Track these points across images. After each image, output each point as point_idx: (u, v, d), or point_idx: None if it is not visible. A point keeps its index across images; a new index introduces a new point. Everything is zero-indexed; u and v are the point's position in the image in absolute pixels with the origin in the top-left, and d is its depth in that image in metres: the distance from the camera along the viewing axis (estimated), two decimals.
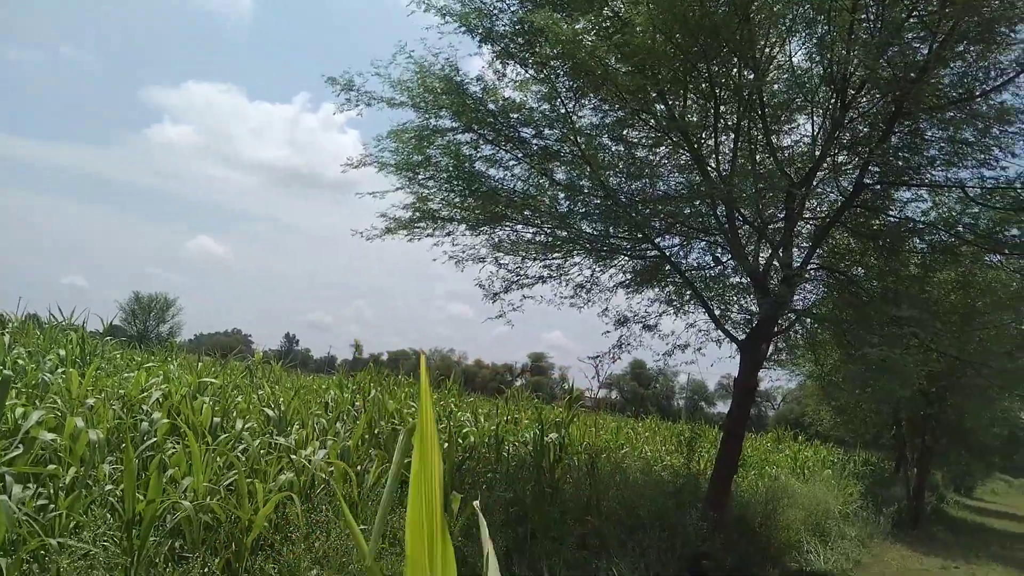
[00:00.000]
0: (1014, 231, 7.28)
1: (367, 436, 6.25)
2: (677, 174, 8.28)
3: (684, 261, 8.37)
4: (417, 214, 7.65)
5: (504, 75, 7.37)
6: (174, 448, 4.56)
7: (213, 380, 7.40)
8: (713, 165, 7.59)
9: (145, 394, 5.74)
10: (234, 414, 6.35)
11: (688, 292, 8.12)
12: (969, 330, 7.83)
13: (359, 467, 5.56)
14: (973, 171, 7.19)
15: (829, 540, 10.83)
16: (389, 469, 5.41)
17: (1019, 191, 6.76)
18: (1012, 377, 8.62)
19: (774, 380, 19.81)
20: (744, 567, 7.37)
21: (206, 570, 3.76)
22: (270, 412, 6.26)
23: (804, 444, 19.66)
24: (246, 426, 5.79)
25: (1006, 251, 7.21)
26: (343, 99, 7.18)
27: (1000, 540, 17.52)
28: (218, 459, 4.58)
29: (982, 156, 6.96)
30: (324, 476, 5.00)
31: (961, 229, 7.45)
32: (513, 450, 7.88)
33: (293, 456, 5.14)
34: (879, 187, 7.91)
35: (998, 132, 6.85)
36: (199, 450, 4.50)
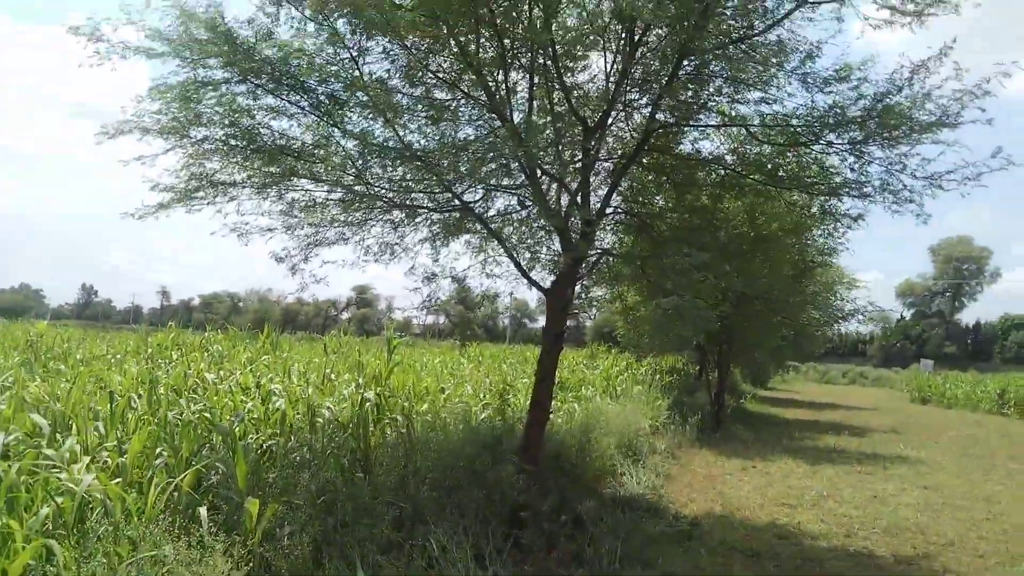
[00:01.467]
0: (792, 165, 7.70)
1: (156, 431, 5.63)
2: (476, 118, 7.98)
3: (488, 211, 8.20)
4: (194, 181, 6.87)
5: (278, 18, 6.66)
6: None
7: None
8: (509, 107, 7.37)
9: None
10: None
11: (494, 242, 7.99)
12: (757, 262, 8.38)
13: (144, 476, 5.02)
14: (755, 107, 7.47)
15: (641, 459, 11.46)
16: (181, 476, 4.96)
17: (794, 126, 7.08)
18: (792, 308, 9.43)
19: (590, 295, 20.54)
20: (562, 507, 7.54)
21: None
22: (38, 419, 5.47)
23: (615, 358, 20.66)
24: (9, 438, 5.06)
25: (786, 185, 7.63)
26: (92, 51, 6.21)
27: (789, 432, 19.50)
28: None
29: (761, 94, 7.20)
30: (100, 499, 4.41)
31: (743, 164, 7.79)
32: (329, 415, 7.54)
33: (62, 476, 4.51)
34: (671, 125, 8.06)
35: (775, 69, 7.10)
36: None
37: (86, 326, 45.40)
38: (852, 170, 7.22)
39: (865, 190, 7.23)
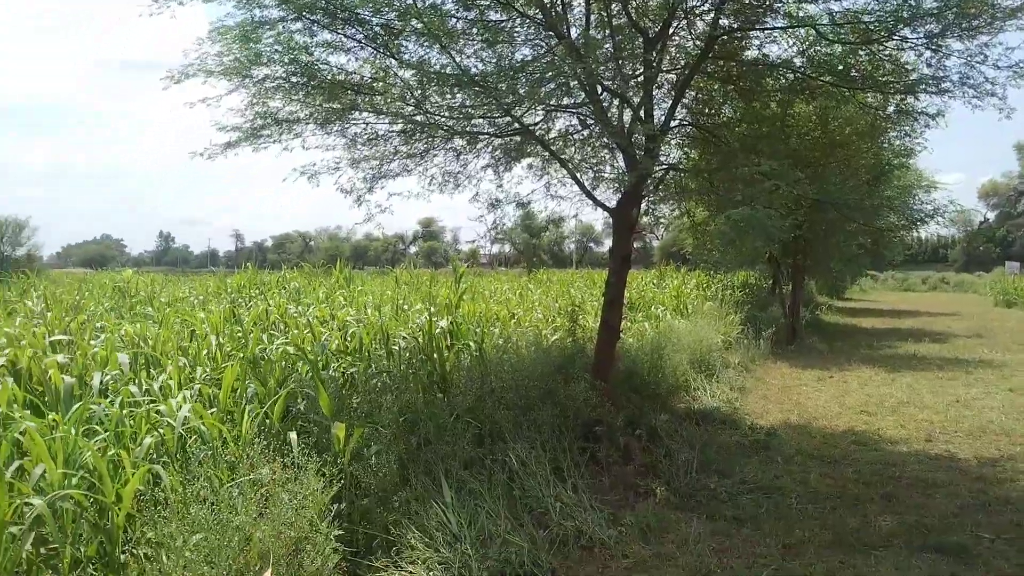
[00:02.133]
0: (864, 64, 7.36)
1: (243, 369, 5.93)
2: (532, 37, 7.83)
3: (549, 133, 8.13)
4: (259, 120, 7.00)
5: None
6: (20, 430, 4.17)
7: (65, 337, 6.84)
8: (566, 23, 7.22)
9: None
10: (92, 365, 5.92)
11: (556, 164, 7.95)
12: (831, 167, 8.09)
13: (236, 408, 5.32)
14: (823, 5, 7.11)
15: (715, 373, 11.49)
16: (270, 403, 5.25)
17: (866, 23, 6.74)
18: (868, 213, 9.10)
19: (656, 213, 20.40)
20: (636, 421, 7.68)
21: (77, 564, 3.54)
22: (124, 358, 5.81)
23: (685, 276, 20.47)
24: (105, 379, 5.41)
25: (858, 86, 7.31)
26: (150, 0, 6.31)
27: (867, 340, 19.17)
28: (72, 432, 4.22)
29: None
30: (198, 428, 4.72)
31: (813, 66, 7.48)
32: (404, 343, 7.79)
33: (161, 409, 4.82)
34: (735, 30, 7.76)
35: None
36: (47, 426, 4.16)
37: (167, 272, 47.28)
38: (929, 65, 6.86)
39: (944, 85, 6.87)
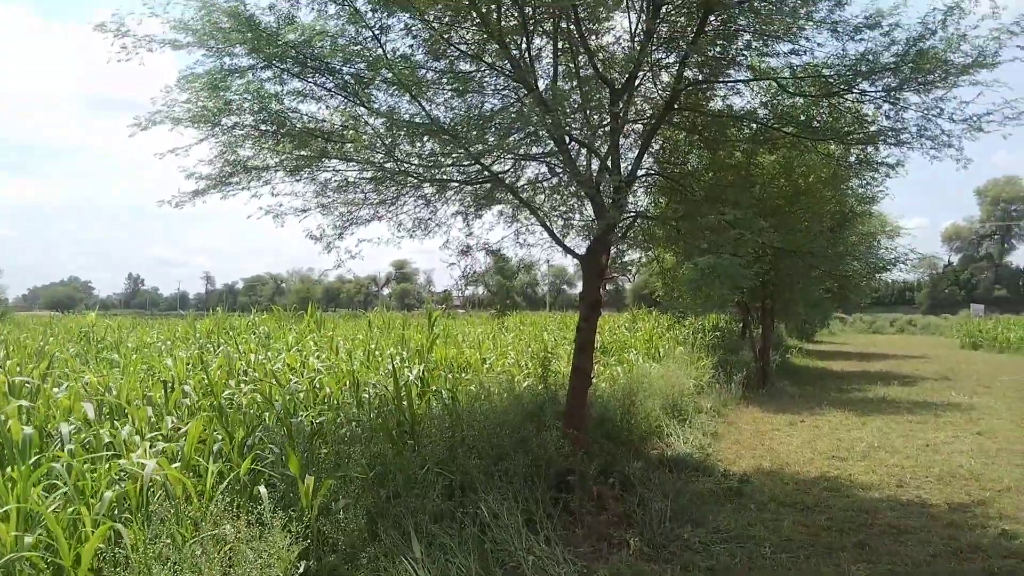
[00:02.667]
0: (825, 115, 7.55)
1: (209, 419, 5.81)
2: (502, 88, 7.94)
3: (519, 180, 8.20)
4: (227, 168, 6.97)
5: (299, 2, 6.70)
6: None
7: (28, 380, 6.69)
8: (534, 75, 7.32)
9: None
10: (56, 414, 5.77)
11: (526, 211, 8.00)
12: (795, 216, 8.24)
13: (200, 461, 5.19)
14: (784, 59, 7.30)
15: (687, 419, 11.48)
16: (239, 463, 5.12)
17: (826, 76, 6.92)
18: (832, 261, 9.25)
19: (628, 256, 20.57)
20: (609, 469, 7.62)
21: None
22: (88, 409, 5.67)
23: (657, 319, 20.57)
24: (69, 430, 5.26)
25: (820, 136, 7.48)
26: (118, 47, 6.30)
27: (837, 384, 19.33)
28: (32, 488, 4.08)
29: (791, 45, 7.04)
30: (160, 482, 4.59)
31: (776, 117, 7.66)
32: (374, 390, 7.70)
33: (122, 462, 4.69)
34: (700, 82, 7.93)
35: (804, 20, 6.93)
36: (5, 481, 4.03)
37: (135, 315, 46.68)
38: (887, 117, 7.04)
39: (902, 137, 7.05)
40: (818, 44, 6.75)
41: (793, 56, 7.15)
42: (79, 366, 8.78)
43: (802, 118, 7.35)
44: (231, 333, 14.30)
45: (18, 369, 7.73)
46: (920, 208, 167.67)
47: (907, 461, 9.74)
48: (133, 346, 12.70)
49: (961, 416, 13.52)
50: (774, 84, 7.35)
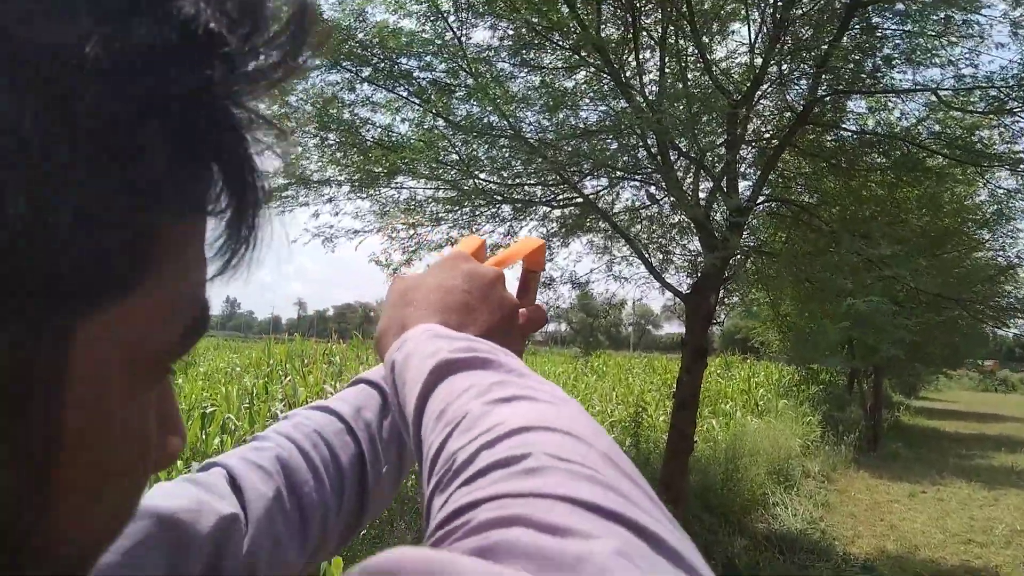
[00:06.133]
0: (987, 138, 6.24)
1: None
2: (600, 103, 6.94)
3: (613, 205, 7.16)
4: (288, 179, 6.19)
5: None
6: None
7: None
8: (639, 88, 6.32)
9: None
10: None
11: (620, 241, 6.93)
12: (942, 257, 6.85)
13: None
14: (943, 70, 6.04)
15: (794, 484, 10.09)
16: None
17: (999, 89, 5.65)
18: (1005, 311, 7.69)
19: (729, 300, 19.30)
20: (710, 544, 6.45)
21: None
22: None
23: (753, 366, 19.06)
24: None
25: (984, 163, 6.13)
26: None
27: (956, 447, 17.34)
28: None
29: (955, 51, 5.81)
30: None
31: (928, 139, 6.38)
32: None
33: None
34: (831, 98, 6.75)
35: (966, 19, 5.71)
36: None
37: (229, 336, 47.70)
38: None
39: None
40: (999, 45, 5.47)
41: (950, 66, 5.90)
42: None
43: (961, 140, 6.03)
44: (304, 361, 13.69)
45: None
46: None
47: None
48: (204, 370, 12.19)
49: None
50: (929, 98, 6.09)
